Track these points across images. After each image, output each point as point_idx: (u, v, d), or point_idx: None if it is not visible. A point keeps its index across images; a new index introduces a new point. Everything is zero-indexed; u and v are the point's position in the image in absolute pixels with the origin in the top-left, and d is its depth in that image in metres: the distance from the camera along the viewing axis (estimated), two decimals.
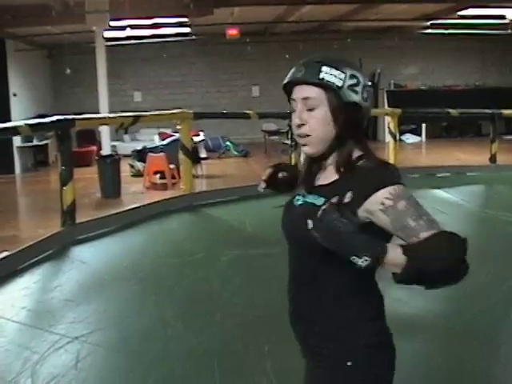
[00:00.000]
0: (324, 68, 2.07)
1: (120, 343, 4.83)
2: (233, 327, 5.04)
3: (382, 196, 1.93)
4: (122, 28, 17.05)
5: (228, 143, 19.82)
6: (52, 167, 16.53)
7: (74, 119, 8.24)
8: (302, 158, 2.27)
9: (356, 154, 2.11)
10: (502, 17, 18.38)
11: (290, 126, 12.43)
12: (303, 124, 2.09)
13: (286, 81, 2.18)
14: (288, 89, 2.20)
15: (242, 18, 17.48)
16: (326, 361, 2.13)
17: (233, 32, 18.80)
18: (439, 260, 1.77)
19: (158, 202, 9.83)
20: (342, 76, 2.07)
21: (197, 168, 13.92)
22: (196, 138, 16.02)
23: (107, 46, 15.73)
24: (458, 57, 23.65)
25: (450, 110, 13.79)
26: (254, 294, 5.73)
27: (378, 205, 1.93)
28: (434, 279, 1.80)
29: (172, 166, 13.14)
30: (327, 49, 21.24)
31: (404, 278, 1.76)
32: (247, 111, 12.55)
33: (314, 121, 2.08)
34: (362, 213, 1.97)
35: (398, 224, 1.91)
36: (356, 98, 2.07)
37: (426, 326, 5.04)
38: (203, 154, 17.23)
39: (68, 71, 18.81)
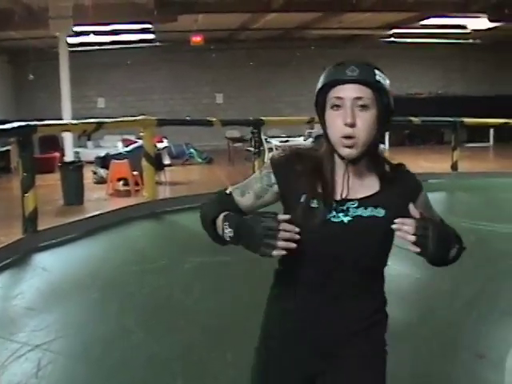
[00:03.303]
0: (376, 71, 2.08)
1: (81, 351, 4.80)
2: (195, 335, 5.03)
3: (423, 197, 2.26)
4: (86, 34, 16.99)
5: (192, 150, 19.80)
6: (14, 174, 16.32)
7: (35, 125, 8.17)
8: (327, 169, 2.19)
9: None
10: (464, 27, 18.65)
11: (253, 133, 12.47)
12: (354, 125, 2.05)
13: (335, 78, 2.09)
14: (324, 89, 2.13)
15: (207, 25, 17.51)
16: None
17: (197, 39, 18.83)
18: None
19: (120, 209, 9.78)
20: (387, 81, 2.10)
21: (160, 175, 13.87)
22: (159, 145, 15.98)
23: (71, 51, 15.62)
24: (422, 65, 23.90)
25: (412, 118, 13.94)
26: (216, 302, 5.72)
27: (423, 203, 2.23)
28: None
29: (135, 173, 13.08)
30: (291, 56, 21.38)
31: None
32: (211, 118, 12.55)
33: (361, 123, 2.05)
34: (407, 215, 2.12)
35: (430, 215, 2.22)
36: (392, 102, 2.12)
37: (392, 331, 5.07)
38: (167, 161, 17.20)
39: (31, 77, 18.69)
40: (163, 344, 4.82)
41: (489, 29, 18.17)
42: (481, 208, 10.69)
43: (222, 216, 2.14)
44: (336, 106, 2.08)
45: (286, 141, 17.31)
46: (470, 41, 21.81)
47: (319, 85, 2.13)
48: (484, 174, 13.82)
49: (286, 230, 1.98)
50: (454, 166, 13.98)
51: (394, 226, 2.01)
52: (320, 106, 2.15)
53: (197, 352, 4.72)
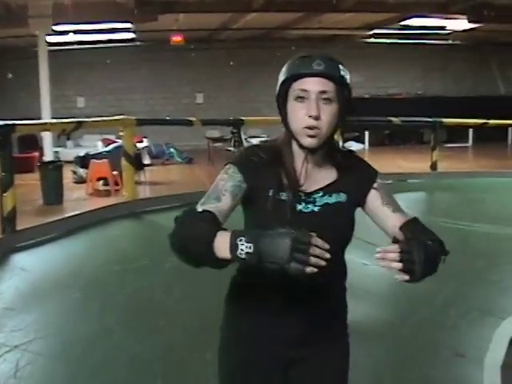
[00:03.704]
0: (340, 66, 2.14)
1: (61, 351, 4.78)
2: (176, 334, 5.03)
3: (382, 184, 2.33)
4: (65, 33, 16.90)
5: (172, 150, 19.74)
6: None
7: (13, 125, 8.12)
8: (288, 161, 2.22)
9: None
10: (443, 27, 18.76)
11: (233, 133, 12.47)
12: (318, 117, 2.09)
13: (301, 71, 2.12)
14: (288, 81, 2.15)
15: (187, 24, 17.47)
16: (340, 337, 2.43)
17: (177, 38, 18.79)
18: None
19: (100, 208, 9.75)
20: (348, 76, 2.16)
21: (140, 175, 13.83)
22: (139, 145, 15.92)
23: (50, 50, 15.54)
24: (402, 66, 23.98)
25: (392, 118, 13.99)
26: (197, 302, 5.71)
27: (382, 190, 2.30)
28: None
29: (115, 173, 13.02)
30: (272, 56, 21.34)
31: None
32: (191, 118, 12.54)
33: (325, 116, 2.10)
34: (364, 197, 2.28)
35: (387, 198, 2.29)
36: (351, 97, 2.18)
37: (373, 332, 5.08)
38: (146, 161, 17.14)
39: (9, 76, 18.54)
40: (144, 344, 4.80)
41: (468, 30, 18.27)
42: (460, 208, 10.75)
43: (228, 233, 1.86)
44: (300, 98, 2.12)
45: (266, 141, 17.25)
46: (450, 41, 21.92)
47: (283, 76, 2.16)
48: (463, 174, 13.91)
49: (317, 246, 1.78)
50: (434, 166, 14.06)
51: (376, 256, 1.93)
52: (282, 96, 2.18)
53: (178, 352, 4.71)
